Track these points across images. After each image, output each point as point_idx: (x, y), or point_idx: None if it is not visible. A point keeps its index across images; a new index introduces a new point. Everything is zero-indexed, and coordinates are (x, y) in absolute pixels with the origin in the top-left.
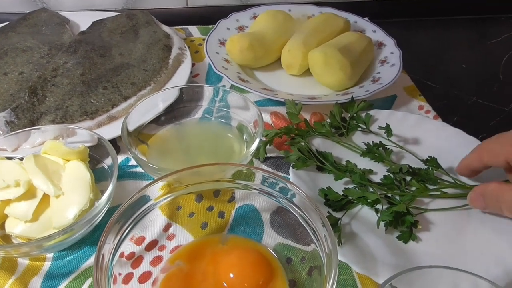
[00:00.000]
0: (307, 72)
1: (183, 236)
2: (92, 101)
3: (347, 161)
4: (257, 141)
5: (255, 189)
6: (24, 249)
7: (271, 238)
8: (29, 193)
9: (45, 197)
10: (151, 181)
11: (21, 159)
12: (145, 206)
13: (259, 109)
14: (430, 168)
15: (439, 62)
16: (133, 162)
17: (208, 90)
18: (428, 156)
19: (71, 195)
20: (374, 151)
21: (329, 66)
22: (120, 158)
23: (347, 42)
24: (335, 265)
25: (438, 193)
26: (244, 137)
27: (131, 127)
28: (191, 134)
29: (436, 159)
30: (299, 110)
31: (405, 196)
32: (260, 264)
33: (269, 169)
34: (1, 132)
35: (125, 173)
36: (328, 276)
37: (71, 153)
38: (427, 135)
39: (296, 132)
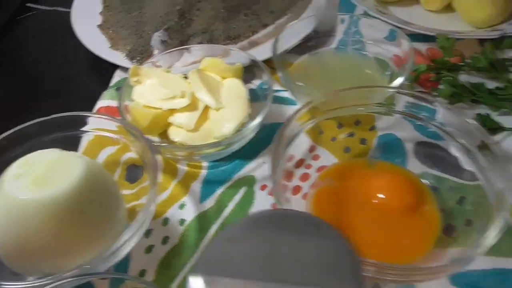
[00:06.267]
0: (444, 8)
1: (327, 158)
2: (234, 26)
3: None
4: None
5: (398, 112)
6: (188, 151)
7: (414, 168)
8: (192, 104)
9: (206, 109)
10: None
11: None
12: (296, 130)
13: (409, 40)
14: None
15: None
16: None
17: (345, 20)
18: None
19: (230, 109)
20: None
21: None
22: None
23: None
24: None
25: None
26: (387, 73)
27: (278, 51)
28: (330, 64)
29: None
30: (451, 44)
31: None
32: (410, 188)
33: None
34: (158, 51)
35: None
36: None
37: (228, 70)
38: None
39: (449, 66)
